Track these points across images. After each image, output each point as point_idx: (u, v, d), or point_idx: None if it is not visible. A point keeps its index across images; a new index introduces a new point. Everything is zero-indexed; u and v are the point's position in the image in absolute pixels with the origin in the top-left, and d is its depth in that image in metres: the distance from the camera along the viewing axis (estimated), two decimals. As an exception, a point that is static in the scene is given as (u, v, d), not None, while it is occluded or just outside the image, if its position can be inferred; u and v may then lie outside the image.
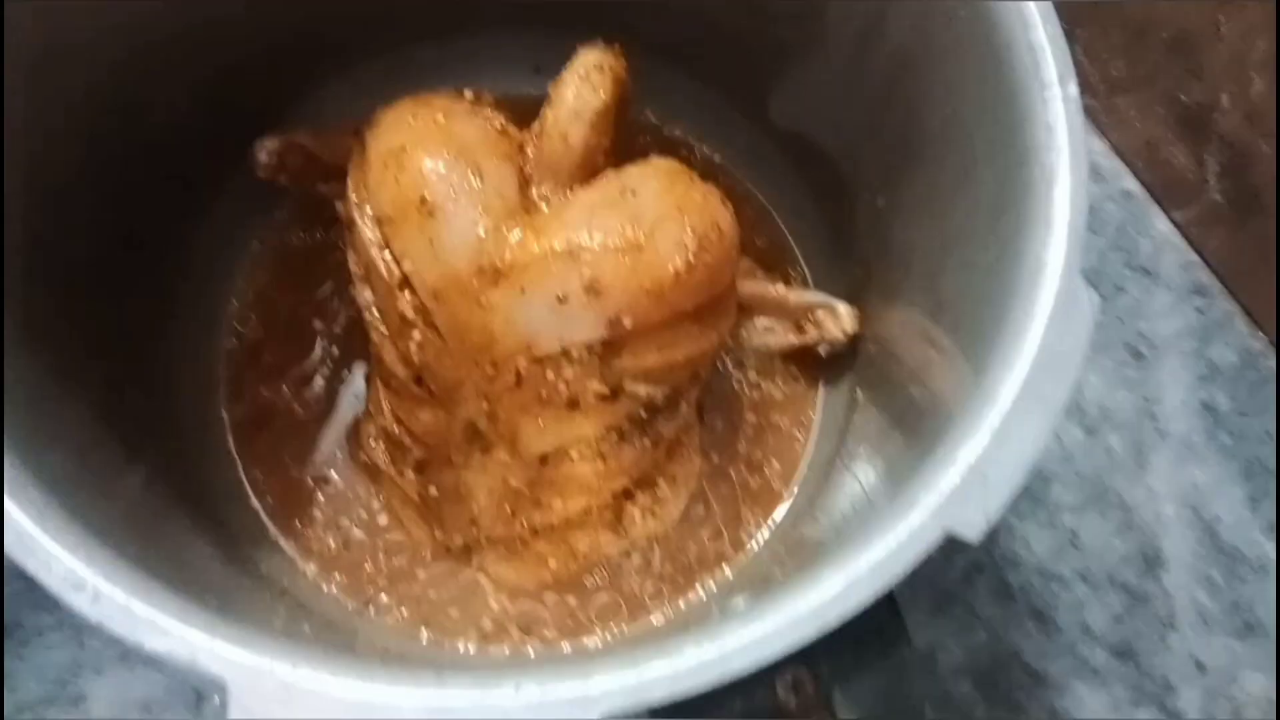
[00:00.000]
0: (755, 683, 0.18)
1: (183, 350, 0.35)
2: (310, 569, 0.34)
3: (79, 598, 0.17)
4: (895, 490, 0.21)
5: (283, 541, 0.35)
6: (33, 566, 0.17)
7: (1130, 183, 0.47)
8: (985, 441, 0.20)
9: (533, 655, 0.31)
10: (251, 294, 0.38)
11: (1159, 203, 0.47)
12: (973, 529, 0.19)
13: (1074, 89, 0.23)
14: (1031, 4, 0.24)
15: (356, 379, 0.37)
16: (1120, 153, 0.48)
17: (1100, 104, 0.48)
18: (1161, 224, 0.47)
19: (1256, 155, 0.41)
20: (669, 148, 0.42)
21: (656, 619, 0.32)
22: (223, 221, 0.37)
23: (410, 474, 0.34)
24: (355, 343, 0.37)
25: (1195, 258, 0.46)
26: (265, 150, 0.35)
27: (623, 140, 0.33)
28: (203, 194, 0.36)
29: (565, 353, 0.29)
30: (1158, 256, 0.46)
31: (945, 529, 0.19)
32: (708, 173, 0.41)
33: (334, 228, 0.39)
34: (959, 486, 0.19)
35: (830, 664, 0.19)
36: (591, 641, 0.32)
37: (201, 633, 0.17)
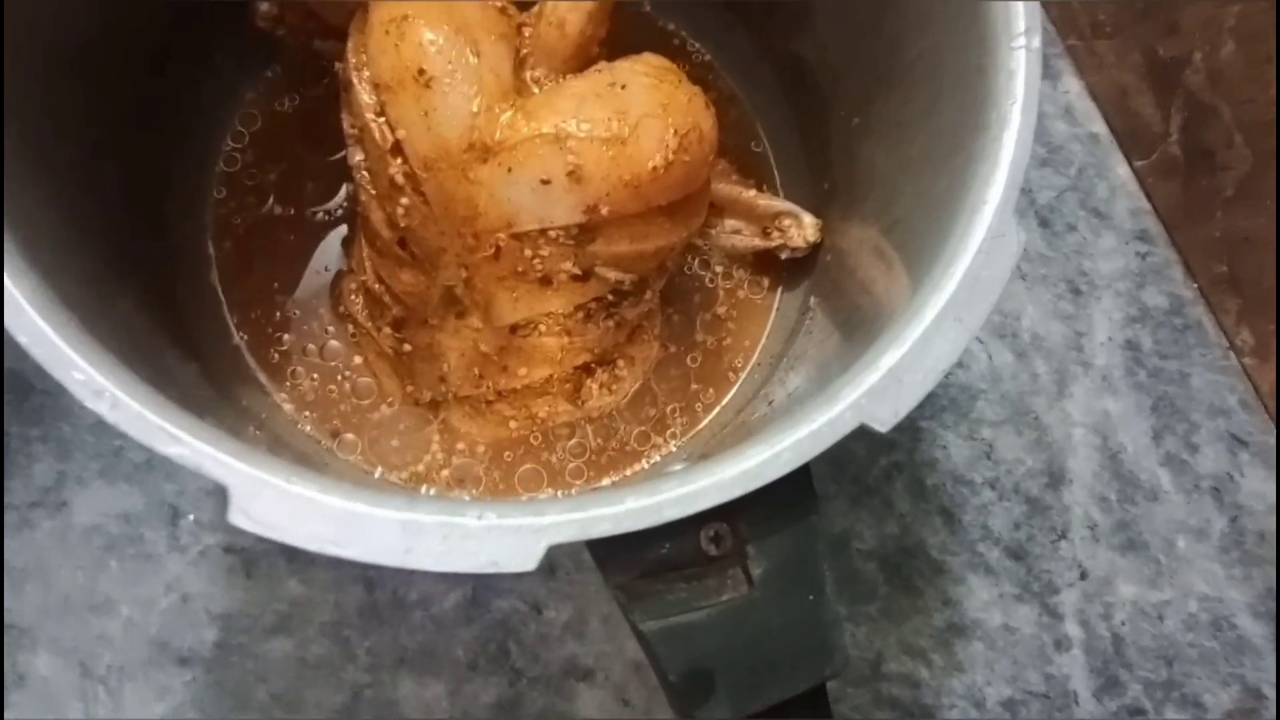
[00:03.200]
0: (684, 532, 0.22)
1: (177, 188, 0.37)
2: (286, 405, 0.37)
3: (100, 404, 0.20)
4: (826, 385, 0.24)
5: (262, 377, 0.37)
6: (59, 375, 0.20)
7: (1099, 126, 0.50)
8: (904, 351, 0.22)
9: (466, 499, 0.35)
10: (245, 141, 0.39)
11: (1122, 149, 0.49)
12: (883, 424, 0.22)
13: (1037, 42, 0.24)
14: (1012, -46, 0.25)
15: (340, 232, 0.39)
16: (1095, 96, 0.50)
17: (1084, 46, 0.49)
18: (1121, 169, 0.49)
19: (1215, 116, 0.43)
20: (662, 39, 0.43)
21: (576, 490, 0.36)
22: (222, 71, 0.38)
23: (387, 330, 0.36)
24: (341, 197, 0.39)
25: (1146, 205, 0.49)
26: (267, 1, 0.36)
27: (617, 29, 0.35)
28: (203, 43, 0.36)
29: (543, 232, 0.31)
30: (1112, 200, 0.49)
31: (861, 420, 0.22)
32: (697, 70, 0.42)
33: (324, 85, 0.40)
34: (876, 386, 0.22)
35: (748, 523, 0.22)
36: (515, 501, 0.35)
37: (207, 444, 0.20)
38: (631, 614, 0.22)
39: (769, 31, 0.40)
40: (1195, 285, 0.48)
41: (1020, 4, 0.25)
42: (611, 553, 0.22)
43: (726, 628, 0.22)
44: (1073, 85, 0.50)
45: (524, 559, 0.20)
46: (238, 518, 0.19)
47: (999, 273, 0.23)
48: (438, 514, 0.20)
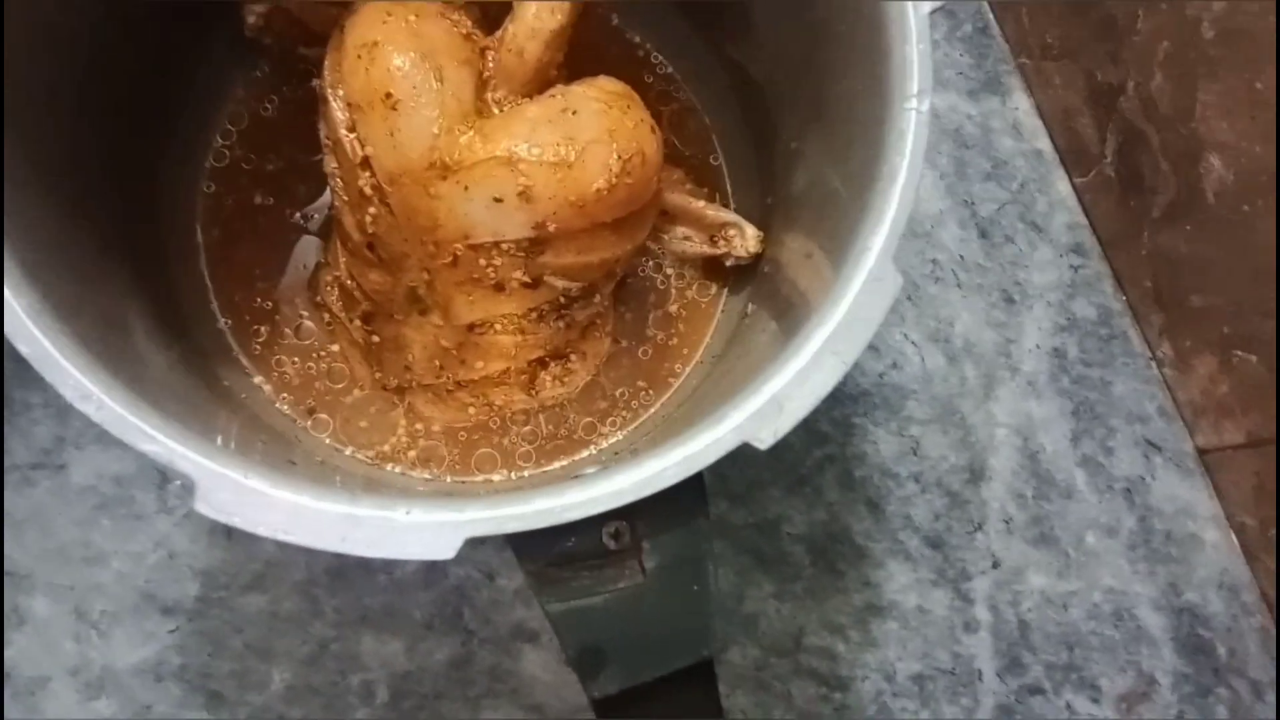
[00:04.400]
0: (587, 528, 0.25)
1: (168, 181, 0.40)
2: (265, 386, 0.40)
3: (87, 405, 0.23)
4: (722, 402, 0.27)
5: (243, 359, 0.40)
6: (51, 379, 0.23)
7: (1043, 143, 0.52)
8: (787, 379, 0.26)
9: (427, 477, 0.38)
10: (234, 138, 0.42)
11: (1064, 166, 0.52)
12: (763, 443, 0.25)
13: (928, 105, 0.27)
14: (913, 20, 0.28)
15: (319, 227, 0.42)
16: (1042, 114, 0.52)
17: (1034, 65, 0.52)
18: (1062, 185, 0.52)
19: (1144, 141, 0.46)
20: (628, 51, 0.46)
21: (529, 473, 0.40)
22: (211, 69, 0.41)
23: (358, 322, 0.39)
24: (321, 193, 0.42)
25: (1083, 220, 0.52)
26: (254, 12, 0.39)
27: (586, 39, 0.37)
28: (192, 44, 0.39)
29: (497, 244, 0.34)
30: (1050, 215, 0.51)
31: (743, 440, 0.25)
32: (660, 81, 0.45)
33: (309, 88, 0.42)
34: (759, 410, 0.25)
35: (645, 522, 0.26)
36: (470, 480, 0.39)
37: (177, 443, 0.23)
38: (540, 596, 0.26)
39: (724, 47, 0.43)
40: (1124, 298, 0.51)
41: (916, 64, 0.28)
42: (525, 544, 0.25)
43: (620, 611, 0.26)
44: (1022, 102, 0.52)
45: (444, 549, 0.23)
46: (201, 506, 0.23)
47: (875, 312, 0.26)
48: (372, 509, 0.24)
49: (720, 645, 0.26)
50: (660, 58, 0.46)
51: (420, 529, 0.24)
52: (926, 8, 0.28)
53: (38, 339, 0.23)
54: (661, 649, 0.26)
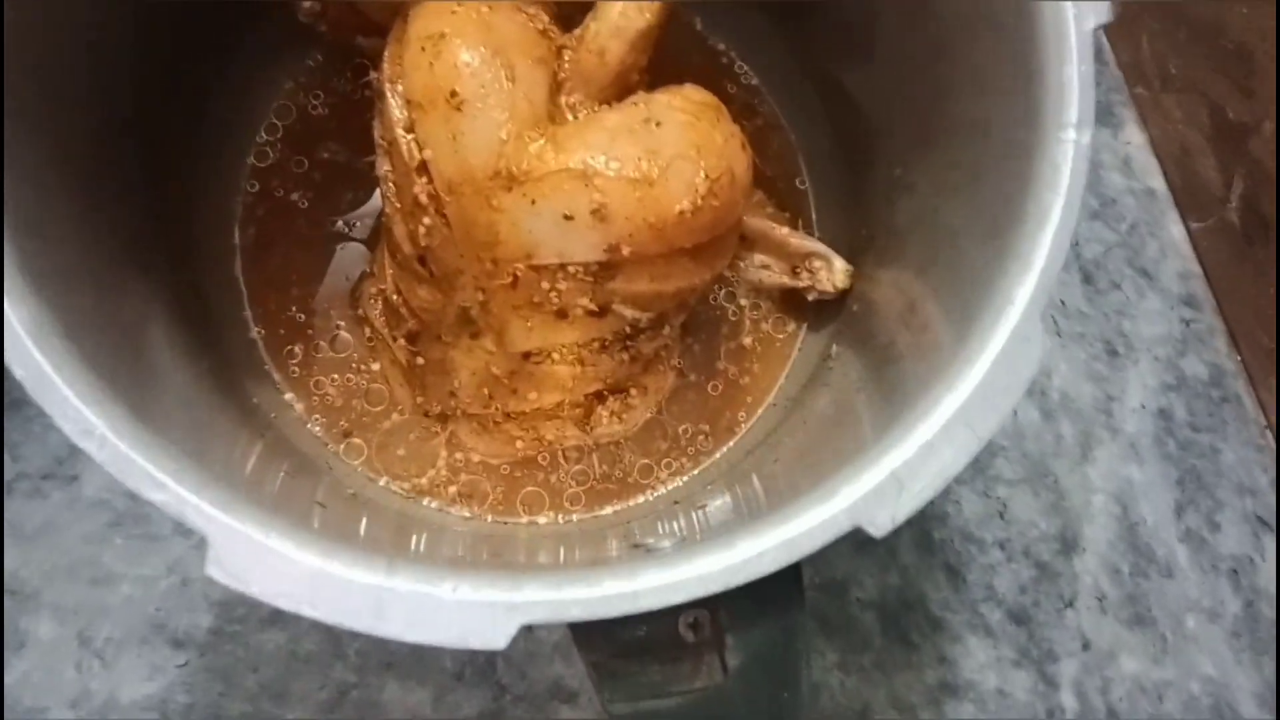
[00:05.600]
0: (662, 616, 0.21)
1: (207, 178, 0.36)
2: (297, 405, 0.37)
3: (88, 443, 0.20)
4: (833, 459, 0.23)
5: (275, 374, 0.37)
6: (50, 410, 0.20)
7: (1157, 182, 0.48)
8: (910, 454, 0.22)
9: (466, 515, 0.34)
10: (279, 134, 0.39)
11: (1178, 208, 0.47)
12: (879, 529, 0.21)
13: (1088, 137, 0.23)
14: (1074, 37, 0.24)
15: (366, 234, 0.39)
16: (1156, 150, 0.48)
17: (1150, 97, 0.47)
18: (1175, 229, 0.47)
19: (1276, 185, 0.41)
20: (711, 58, 0.42)
21: (577, 518, 0.36)
22: (259, 58, 0.37)
23: (402, 341, 0.36)
24: (369, 199, 0.38)
25: (1197, 269, 0.47)
26: (310, -2, 0.35)
27: (665, 45, 0.33)
28: (244, 29, 0.36)
29: (562, 267, 0.30)
30: (1161, 261, 0.47)
31: (855, 523, 0.21)
32: (743, 93, 0.41)
33: (362, 79, 0.39)
34: (876, 488, 0.21)
35: (729, 612, 0.22)
36: (514, 521, 0.35)
37: (190, 492, 0.20)
38: (603, 693, 0.22)
39: (819, 57, 0.39)
40: (1239, 358, 0.46)
41: (1076, 89, 0.24)
42: (588, 629, 0.22)
43: (697, 717, 0.22)
44: (1134, 136, 0.48)
45: (496, 636, 0.20)
46: (213, 570, 0.19)
47: (1018, 380, 0.22)
48: (412, 582, 0.20)
49: (810, 763, 0.22)
50: (745, 67, 0.42)
51: (468, 610, 0.20)
52: (1091, 22, 0.23)
53: (36, 361, 0.20)
54: (742, 766, 0.22)
